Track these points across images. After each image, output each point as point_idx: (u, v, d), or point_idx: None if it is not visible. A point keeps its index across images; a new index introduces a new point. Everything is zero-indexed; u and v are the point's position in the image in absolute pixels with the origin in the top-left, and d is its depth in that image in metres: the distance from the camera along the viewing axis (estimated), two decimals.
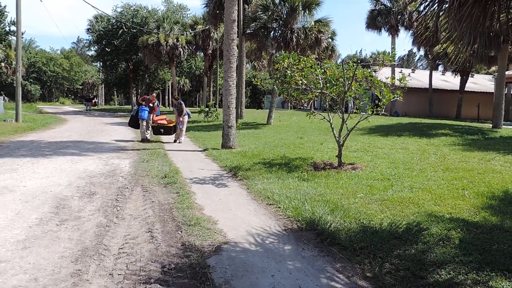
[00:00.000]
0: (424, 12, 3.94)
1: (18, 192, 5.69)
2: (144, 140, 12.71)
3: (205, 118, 22.62)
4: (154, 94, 13.78)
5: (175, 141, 12.93)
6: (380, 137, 12.15)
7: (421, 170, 6.98)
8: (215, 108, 24.38)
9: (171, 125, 13.20)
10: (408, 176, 6.49)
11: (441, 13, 3.85)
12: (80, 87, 73.05)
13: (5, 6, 32.80)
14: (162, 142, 12.82)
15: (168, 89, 52.70)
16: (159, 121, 13.27)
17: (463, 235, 3.82)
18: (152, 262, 3.45)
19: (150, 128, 13.18)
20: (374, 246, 3.63)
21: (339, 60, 29.72)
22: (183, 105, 13.37)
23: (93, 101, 60.84)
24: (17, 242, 3.81)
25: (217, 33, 30.05)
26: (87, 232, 4.17)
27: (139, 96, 43.23)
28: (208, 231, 4.18)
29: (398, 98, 7.12)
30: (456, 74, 29.28)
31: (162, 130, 13.15)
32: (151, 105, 13.08)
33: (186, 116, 13.30)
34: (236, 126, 11.78)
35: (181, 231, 4.20)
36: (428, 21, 4.12)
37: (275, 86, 8.35)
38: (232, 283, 3.06)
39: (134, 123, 13.33)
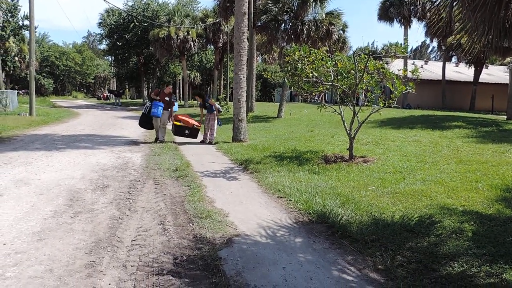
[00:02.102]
0: (437, 2, 3.86)
1: (33, 184, 5.79)
2: (158, 140, 10.88)
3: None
4: (170, 87, 11.69)
5: (210, 142, 11.16)
6: (392, 130, 12.03)
7: (433, 162, 6.90)
8: (225, 102, 24.40)
9: (199, 127, 11.38)
10: (421, 169, 6.42)
11: (454, 3, 3.77)
12: (92, 81, 73.74)
13: (18, 0, 33.12)
14: (175, 143, 11.74)
15: (179, 82, 52.86)
16: (186, 119, 11.22)
17: (477, 228, 3.77)
18: (164, 254, 3.49)
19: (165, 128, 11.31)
20: (385, 238, 3.62)
21: (350, 52, 29.45)
22: (211, 100, 11.63)
23: (105, 94, 61.29)
24: (33, 233, 3.89)
25: (227, 26, 29.94)
26: (100, 224, 4.23)
27: (150, 90, 43.33)
28: (219, 224, 4.21)
29: (410, 90, 7.03)
30: (470, 66, 28.76)
31: (187, 132, 11.09)
32: (166, 99, 10.98)
33: (215, 112, 11.37)
34: (247, 120, 11.74)
35: (193, 224, 4.24)
36: (441, 12, 4.04)
37: (285, 79, 8.30)
38: (243, 275, 3.08)
39: (145, 122, 11.27)
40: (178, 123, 11.14)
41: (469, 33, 4.02)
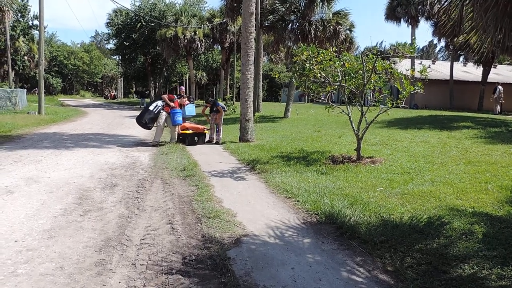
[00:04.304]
0: (447, 2, 3.84)
1: (43, 183, 5.85)
2: (157, 144, 10.42)
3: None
4: (185, 99, 11.40)
5: (217, 142, 11.23)
6: (400, 130, 11.96)
7: (442, 163, 6.86)
8: (232, 102, 24.41)
9: (206, 131, 11.32)
10: (429, 170, 6.38)
11: (466, 2, 3.74)
12: (100, 80, 74.24)
13: (27, 0, 33.47)
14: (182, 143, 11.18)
15: (186, 82, 53.02)
16: (195, 126, 11.20)
17: (487, 230, 3.74)
18: (173, 253, 3.50)
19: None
20: (394, 240, 3.60)
21: (356, 52, 29.31)
22: (219, 107, 11.57)
23: (112, 94, 61.58)
24: (43, 231, 3.93)
25: (234, 26, 29.91)
26: (109, 223, 4.26)
27: (157, 89, 43.36)
28: (227, 224, 4.22)
29: (418, 91, 6.99)
30: (478, 65, 28.50)
31: (196, 138, 10.93)
32: (180, 110, 10.84)
33: (222, 112, 11.55)
34: (253, 119, 11.74)
35: (201, 223, 4.25)
36: (452, 11, 4.02)
37: (293, 79, 8.29)
38: (252, 275, 3.08)
39: (151, 119, 10.49)
40: (188, 132, 10.74)
41: (480, 33, 3.99)
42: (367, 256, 3.41)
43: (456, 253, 3.29)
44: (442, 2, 3.98)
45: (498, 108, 22.34)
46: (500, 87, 22.92)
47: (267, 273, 3.11)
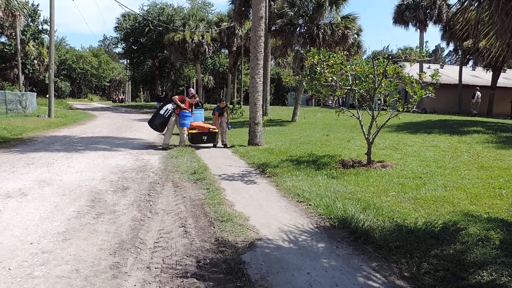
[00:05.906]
0: (464, 5, 3.81)
1: (55, 185, 5.89)
2: (167, 147, 10.37)
3: (230, 115, 22.69)
4: (197, 99, 11.31)
5: (225, 145, 11.22)
6: (409, 135, 11.89)
7: (454, 168, 6.80)
8: (239, 105, 24.45)
9: (216, 130, 11.27)
10: (441, 175, 6.33)
11: (484, 5, 3.71)
12: (108, 84, 74.81)
13: (38, 5, 33.90)
14: (191, 146, 11.48)
15: (193, 86, 53.25)
16: (201, 125, 11.25)
17: (504, 236, 3.70)
18: (187, 256, 3.50)
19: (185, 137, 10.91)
20: (410, 245, 3.57)
21: (365, 56, 29.24)
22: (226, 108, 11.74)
23: (120, 97, 61.95)
24: (58, 233, 3.95)
25: (242, 30, 30.04)
26: (122, 226, 4.27)
27: (165, 92, 43.57)
28: (240, 227, 4.21)
29: (430, 95, 6.95)
30: (487, 70, 28.27)
31: (205, 138, 11.04)
32: (189, 111, 10.76)
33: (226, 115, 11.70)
34: (262, 123, 11.73)
35: (214, 227, 4.25)
36: (470, 14, 3.99)
37: (304, 83, 8.29)
38: (268, 279, 3.07)
39: (161, 123, 10.66)
40: (194, 131, 10.95)
41: (497, 37, 3.95)
42: (383, 261, 3.38)
43: (474, 259, 3.25)
44: (459, 5, 3.92)
45: (476, 111, 23.39)
46: (478, 93, 24.00)
47: (282, 278, 3.09)
